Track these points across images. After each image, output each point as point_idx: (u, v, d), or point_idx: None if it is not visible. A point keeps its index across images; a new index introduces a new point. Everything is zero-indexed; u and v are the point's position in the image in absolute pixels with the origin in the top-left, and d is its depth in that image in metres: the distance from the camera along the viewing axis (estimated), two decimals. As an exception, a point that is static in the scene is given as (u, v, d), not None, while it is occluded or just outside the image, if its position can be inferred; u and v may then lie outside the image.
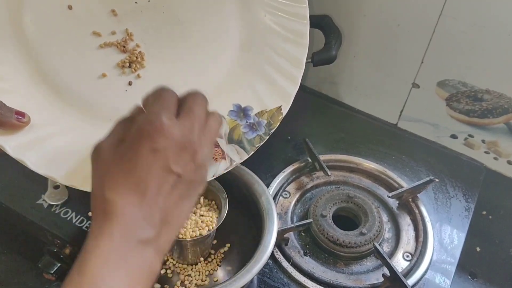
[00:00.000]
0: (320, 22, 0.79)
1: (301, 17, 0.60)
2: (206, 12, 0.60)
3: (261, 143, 0.59)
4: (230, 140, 0.58)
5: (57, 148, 0.53)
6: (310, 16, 0.80)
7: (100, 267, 0.39)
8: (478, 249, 0.80)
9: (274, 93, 0.60)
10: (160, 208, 0.42)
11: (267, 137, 0.59)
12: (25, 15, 0.54)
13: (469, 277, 0.76)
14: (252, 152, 0.58)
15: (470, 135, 0.89)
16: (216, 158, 0.58)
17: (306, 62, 0.75)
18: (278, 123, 0.60)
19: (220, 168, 0.57)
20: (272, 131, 0.59)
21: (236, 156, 0.58)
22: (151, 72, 0.60)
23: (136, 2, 0.57)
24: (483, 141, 0.88)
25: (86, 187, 0.55)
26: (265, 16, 0.61)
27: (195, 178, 0.44)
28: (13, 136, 0.52)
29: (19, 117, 0.51)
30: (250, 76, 0.60)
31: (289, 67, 0.60)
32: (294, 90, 0.60)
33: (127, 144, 0.43)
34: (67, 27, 0.56)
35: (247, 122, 0.59)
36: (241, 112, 0.60)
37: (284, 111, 0.60)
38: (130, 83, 0.58)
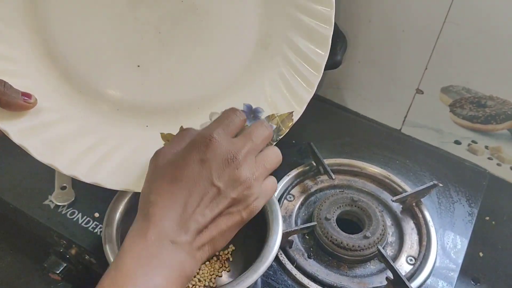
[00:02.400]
0: (325, 28, 0.80)
1: (325, 20, 0.57)
2: (226, 2, 0.57)
3: None
4: None
5: (62, 136, 0.52)
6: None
7: (134, 264, 0.42)
8: (481, 254, 0.80)
9: (287, 97, 0.58)
10: (197, 218, 0.45)
11: (274, 143, 0.57)
12: None
13: (472, 282, 0.77)
14: None
15: (474, 141, 0.89)
16: None
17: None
18: (288, 130, 0.58)
19: None
20: (280, 137, 0.57)
21: None
22: (165, 64, 0.58)
23: None
24: (487, 147, 0.89)
25: (89, 178, 0.55)
26: (288, 15, 0.57)
27: (237, 196, 0.47)
28: (17, 121, 0.50)
29: (25, 98, 0.50)
30: (264, 75, 0.58)
31: (307, 71, 0.58)
32: (309, 96, 0.58)
33: (179, 153, 0.47)
34: (81, 12, 0.54)
35: None
36: (251, 113, 0.57)
37: (296, 117, 0.58)
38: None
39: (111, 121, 0.57)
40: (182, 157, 0.46)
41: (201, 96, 0.59)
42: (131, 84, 0.57)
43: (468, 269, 0.76)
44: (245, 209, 0.48)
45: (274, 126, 0.57)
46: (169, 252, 0.43)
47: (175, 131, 0.57)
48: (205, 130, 0.47)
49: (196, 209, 0.44)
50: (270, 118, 0.57)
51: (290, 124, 0.58)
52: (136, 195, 0.64)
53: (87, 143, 0.55)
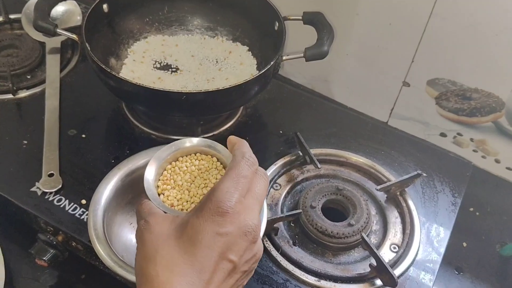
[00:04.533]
0: (312, 19, 0.81)
1: None
2: None
3: None
4: None
5: None
6: (303, 13, 0.82)
7: None
8: (464, 244, 0.81)
9: None
10: None
11: None
12: None
13: (456, 271, 0.78)
14: None
15: (459, 134, 0.91)
16: None
17: (299, 58, 0.77)
18: None
19: None
20: None
21: None
22: None
23: None
24: (472, 140, 0.90)
25: None
26: None
27: (248, 268, 0.45)
28: None
29: None
30: None
31: None
32: None
33: (189, 222, 0.43)
34: None
35: None
36: None
37: None
38: None
39: None
40: (193, 227, 0.42)
41: None
42: None
43: (452, 258, 0.78)
44: (249, 276, 0.47)
45: None
46: None
47: None
48: (220, 194, 0.43)
49: (210, 285, 0.42)
50: None
51: None
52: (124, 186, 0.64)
53: None
